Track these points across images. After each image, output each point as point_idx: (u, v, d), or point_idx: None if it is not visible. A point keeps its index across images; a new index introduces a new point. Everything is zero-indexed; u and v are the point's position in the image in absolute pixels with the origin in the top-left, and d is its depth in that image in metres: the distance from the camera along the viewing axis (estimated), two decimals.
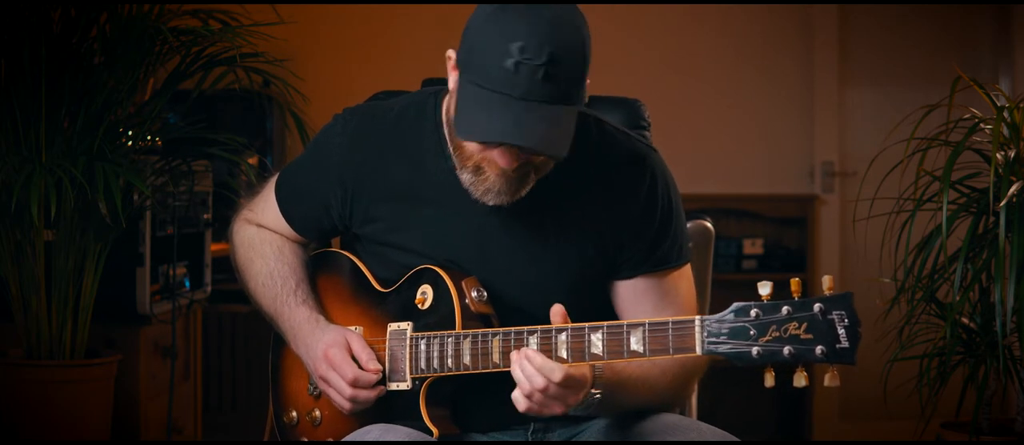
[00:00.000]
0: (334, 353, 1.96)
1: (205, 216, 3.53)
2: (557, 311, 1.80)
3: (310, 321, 2.04)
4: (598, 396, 1.83)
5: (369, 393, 1.95)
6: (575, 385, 1.77)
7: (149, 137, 3.19)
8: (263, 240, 2.15)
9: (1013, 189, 2.75)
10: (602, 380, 1.83)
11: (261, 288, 2.11)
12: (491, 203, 1.89)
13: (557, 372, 1.74)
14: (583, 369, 1.79)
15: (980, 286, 2.89)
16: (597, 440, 1.98)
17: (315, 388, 2.08)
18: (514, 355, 1.79)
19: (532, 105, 1.76)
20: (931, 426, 2.94)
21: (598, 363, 1.80)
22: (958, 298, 2.82)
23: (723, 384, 4.77)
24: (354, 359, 1.96)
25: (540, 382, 1.75)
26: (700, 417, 2.18)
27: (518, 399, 1.78)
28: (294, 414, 2.12)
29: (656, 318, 1.73)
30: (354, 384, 1.94)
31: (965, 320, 2.93)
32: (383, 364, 1.97)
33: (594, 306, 1.97)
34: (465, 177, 1.88)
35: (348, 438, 1.93)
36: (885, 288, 2.98)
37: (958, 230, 2.91)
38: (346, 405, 1.96)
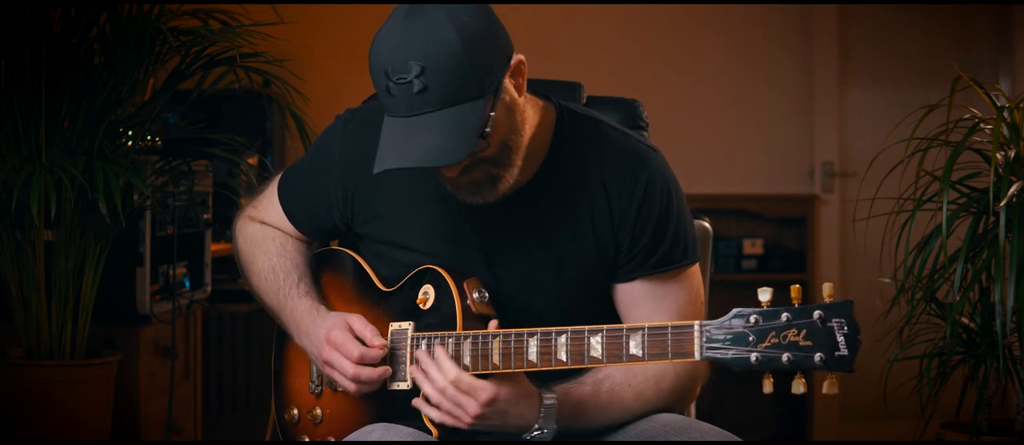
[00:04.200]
0: (336, 334, 1.96)
1: (205, 216, 3.53)
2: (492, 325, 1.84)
3: (311, 311, 2.04)
4: (549, 431, 1.85)
5: (372, 372, 1.93)
6: (469, 389, 1.79)
7: (149, 137, 3.20)
8: (265, 236, 2.16)
9: (1013, 189, 2.75)
10: (561, 412, 1.85)
11: (264, 283, 2.12)
12: (472, 203, 1.90)
13: (452, 372, 1.80)
14: (507, 386, 1.81)
15: (980, 286, 2.89)
16: (597, 440, 1.98)
17: (316, 386, 2.08)
18: (413, 367, 1.84)
19: (420, 119, 1.76)
20: (931, 426, 2.94)
21: (549, 396, 1.84)
22: (958, 298, 2.82)
23: (724, 384, 4.78)
24: (359, 341, 1.96)
25: (439, 383, 1.81)
26: (700, 417, 2.18)
27: (422, 404, 1.85)
28: (295, 412, 2.12)
29: (656, 322, 1.73)
30: (360, 361, 1.93)
31: (965, 320, 2.93)
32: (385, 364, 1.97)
33: (598, 308, 1.97)
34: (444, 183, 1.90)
35: (349, 438, 1.93)
36: (885, 288, 2.98)
37: (958, 230, 2.91)
38: (351, 386, 1.95)
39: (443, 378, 1.81)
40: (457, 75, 1.75)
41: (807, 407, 5.19)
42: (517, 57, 1.84)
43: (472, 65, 1.75)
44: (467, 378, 1.80)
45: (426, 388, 1.84)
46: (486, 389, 1.80)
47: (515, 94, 1.85)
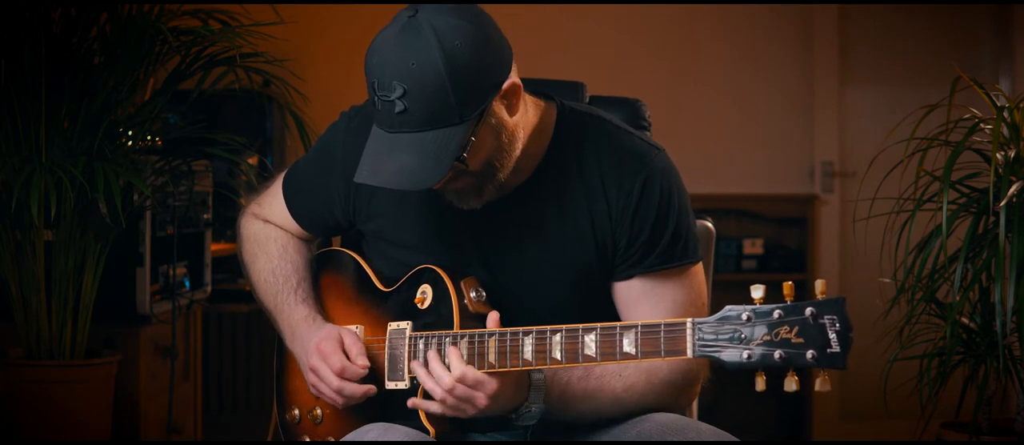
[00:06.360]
0: (325, 345, 1.98)
1: (205, 216, 3.53)
2: (493, 317, 1.84)
3: (308, 320, 2.06)
4: (536, 408, 1.87)
5: (355, 388, 1.95)
6: (475, 384, 1.81)
7: (149, 137, 3.19)
8: (268, 236, 2.16)
9: (1013, 189, 2.75)
10: (548, 390, 1.86)
11: (264, 285, 2.13)
12: (459, 206, 1.91)
13: (458, 369, 1.81)
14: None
15: (980, 286, 2.89)
16: (596, 440, 1.98)
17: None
18: (416, 365, 1.86)
19: (400, 138, 1.78)
20: (931, 426, 2.94)
21: (537, 375, 1.85)
22: (958, 298, 2.82)
23: (723, 384, 4.79)
24: (345, 355, 1.97)
25: (446, 382, 1.82)
26: (700, 417, 2.18)
27: (421, 402, 1.87)
28: (296, 412, 2.12)
29: (649, 320, 1.73)
30: (341, 375, 1.95)
31: (965, 320, 2.93)
32: (383, 363, 1.97)
33: (597, 308, 1.97)
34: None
35: (347, 438, 1.93)
36: (885, 288, 2.98)
37: (958, 230, 2.91)
38: (335, 398, 1.98)
39: (450, 378, 1.82)
40: (437, 101, 1.76)
41: (806, 407, 5.19)
42: (511, 81, 1.83)
43: (455, 92, 1.76)
44: (472, 373, 1.81)
45: (431, 387, 1.84)
46: (491, 382, 1.81)
47: (505, 116, 1.85)
